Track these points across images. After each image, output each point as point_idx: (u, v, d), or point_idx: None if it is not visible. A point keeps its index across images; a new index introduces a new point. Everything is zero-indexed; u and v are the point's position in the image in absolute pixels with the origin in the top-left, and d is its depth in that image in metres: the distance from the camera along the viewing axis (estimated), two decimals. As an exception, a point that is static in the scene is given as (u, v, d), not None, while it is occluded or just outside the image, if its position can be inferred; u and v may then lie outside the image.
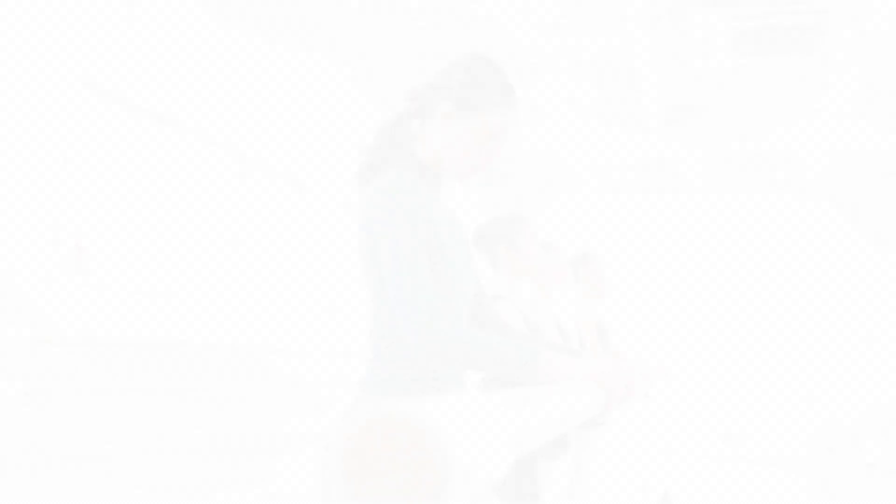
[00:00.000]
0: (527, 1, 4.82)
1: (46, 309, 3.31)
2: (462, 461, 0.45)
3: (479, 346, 1.32)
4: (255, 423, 4.39)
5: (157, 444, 3.71)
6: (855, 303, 8.33)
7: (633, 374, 1.41)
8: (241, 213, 4.62)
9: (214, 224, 4.37)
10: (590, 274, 3.57)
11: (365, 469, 0.44)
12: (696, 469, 7.40)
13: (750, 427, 8.52)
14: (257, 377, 4.43)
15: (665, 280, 9.15)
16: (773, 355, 8.74)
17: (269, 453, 4.49)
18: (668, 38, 4.87)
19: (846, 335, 8.31)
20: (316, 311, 5.33)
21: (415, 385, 1.45)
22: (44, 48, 3.25)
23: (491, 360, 1.31)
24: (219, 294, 4.41)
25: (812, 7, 4.21)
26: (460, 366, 1.36)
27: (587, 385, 1.13)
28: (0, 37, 3.07)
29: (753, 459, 8.16)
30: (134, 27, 3.75)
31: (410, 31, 5.15)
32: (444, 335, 1.33)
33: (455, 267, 1.49)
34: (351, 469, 0.44)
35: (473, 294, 1.68)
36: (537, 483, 2.47)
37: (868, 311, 8.34)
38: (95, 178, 3.59)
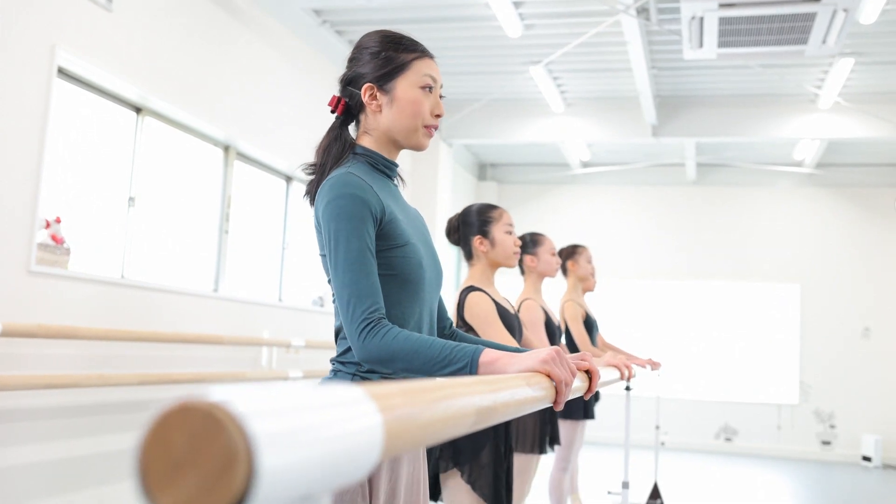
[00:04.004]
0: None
1: None
2: (275, 457, 0.41)
3: (404, 347, 1.26)
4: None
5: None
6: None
7: (586, 360, 1.38)
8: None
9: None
10: (578, 267, 3.51)
11: (162, 466, 0.40)
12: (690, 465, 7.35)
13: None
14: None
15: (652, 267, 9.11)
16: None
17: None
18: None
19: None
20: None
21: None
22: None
23: (423, 358, 1.25)
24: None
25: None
26: (392, 366, 1.29)
27: (534, 377, 1.09)
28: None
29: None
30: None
31: (411, 30, 5.11)
32: (366, 337, 1.27)
33: (412, 257, 1.43)
34: (149, 467, 0.40)
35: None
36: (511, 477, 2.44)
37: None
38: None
